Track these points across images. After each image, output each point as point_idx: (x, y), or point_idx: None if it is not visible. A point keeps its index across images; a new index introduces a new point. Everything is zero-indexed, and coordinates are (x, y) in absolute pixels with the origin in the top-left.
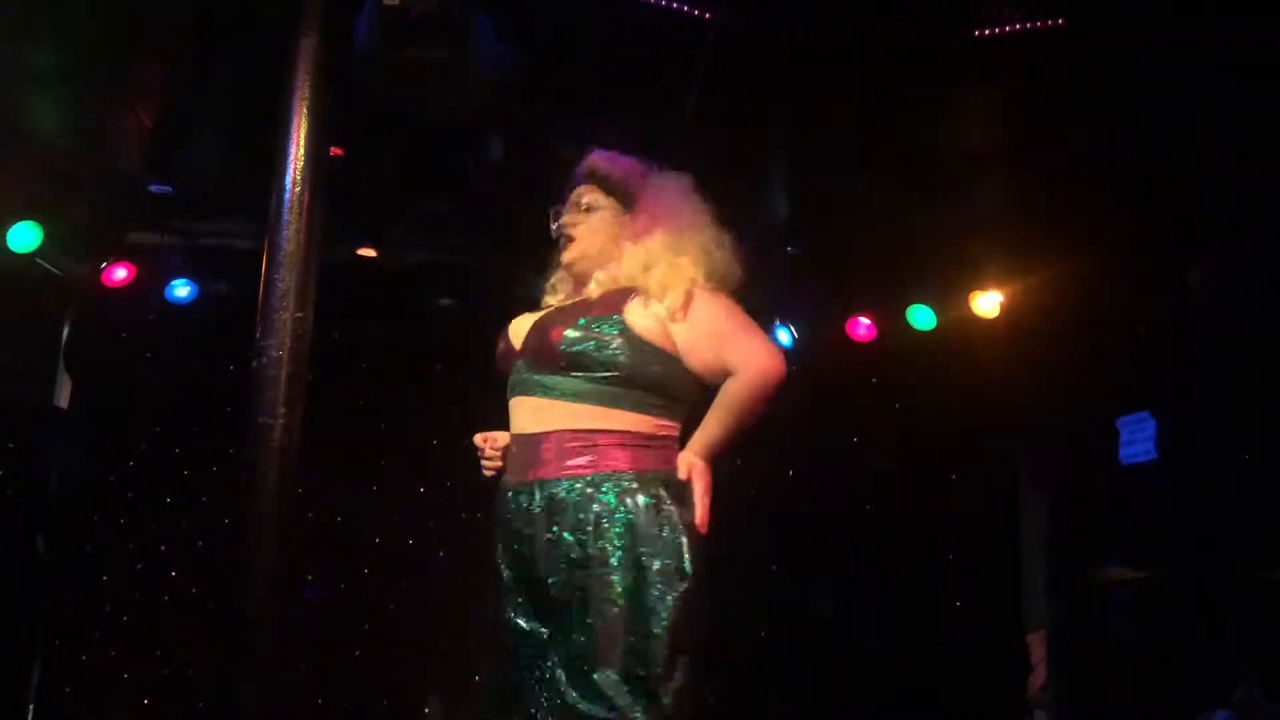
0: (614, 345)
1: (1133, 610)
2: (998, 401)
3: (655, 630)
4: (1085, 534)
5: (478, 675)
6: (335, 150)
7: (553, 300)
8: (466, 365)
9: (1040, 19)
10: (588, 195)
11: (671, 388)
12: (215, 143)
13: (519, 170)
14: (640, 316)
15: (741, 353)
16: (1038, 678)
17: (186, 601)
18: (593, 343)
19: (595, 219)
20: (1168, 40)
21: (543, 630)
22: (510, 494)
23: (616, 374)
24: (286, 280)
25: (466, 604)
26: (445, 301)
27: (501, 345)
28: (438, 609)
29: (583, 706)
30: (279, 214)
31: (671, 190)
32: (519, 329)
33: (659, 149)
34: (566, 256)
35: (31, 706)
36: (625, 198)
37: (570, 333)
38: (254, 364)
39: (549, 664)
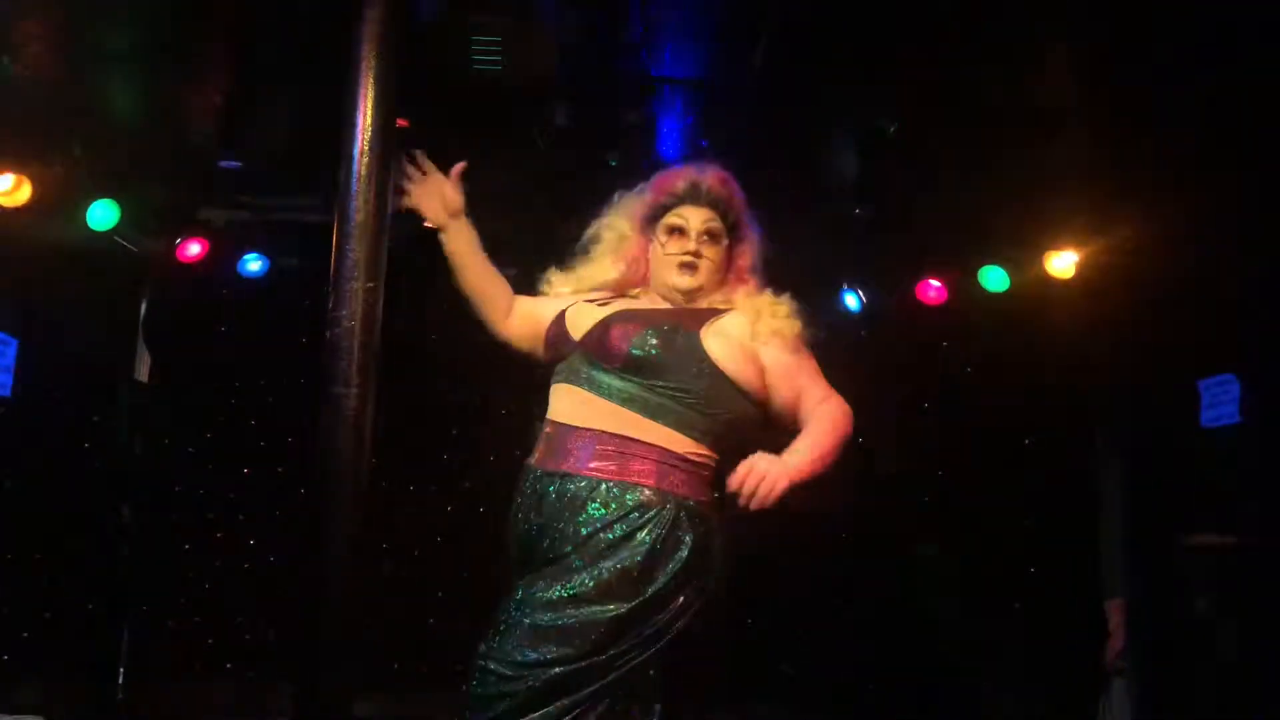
0: (683, 361)
1: (1216, 577)
2: (1073, 365)
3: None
4: (1166, 500)
5: None
6: (401, 121)
7: (599, 289)
8: None
9: None
10: (714, 224)
11: (724, 417)
12: (283, 117)
13: (586, 136)
14: (719, 342)
15: (829, 393)
16: (1115, 645)
17: (265, 569)
18: (661, 353)
19: (717, 253)
20: None
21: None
22: (532, 476)
23: (673, 389)
24: (357, 251)
25: None
26: (512, 271)
27: (553, 330)
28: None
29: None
30: (348, 185)
31: (756, 227)
32: (580, 318)
33: (724, 110)
34: (687, 283)
35: (122, 669)
36: (735, 229)
37: (639, 337)
38: (327, 335)
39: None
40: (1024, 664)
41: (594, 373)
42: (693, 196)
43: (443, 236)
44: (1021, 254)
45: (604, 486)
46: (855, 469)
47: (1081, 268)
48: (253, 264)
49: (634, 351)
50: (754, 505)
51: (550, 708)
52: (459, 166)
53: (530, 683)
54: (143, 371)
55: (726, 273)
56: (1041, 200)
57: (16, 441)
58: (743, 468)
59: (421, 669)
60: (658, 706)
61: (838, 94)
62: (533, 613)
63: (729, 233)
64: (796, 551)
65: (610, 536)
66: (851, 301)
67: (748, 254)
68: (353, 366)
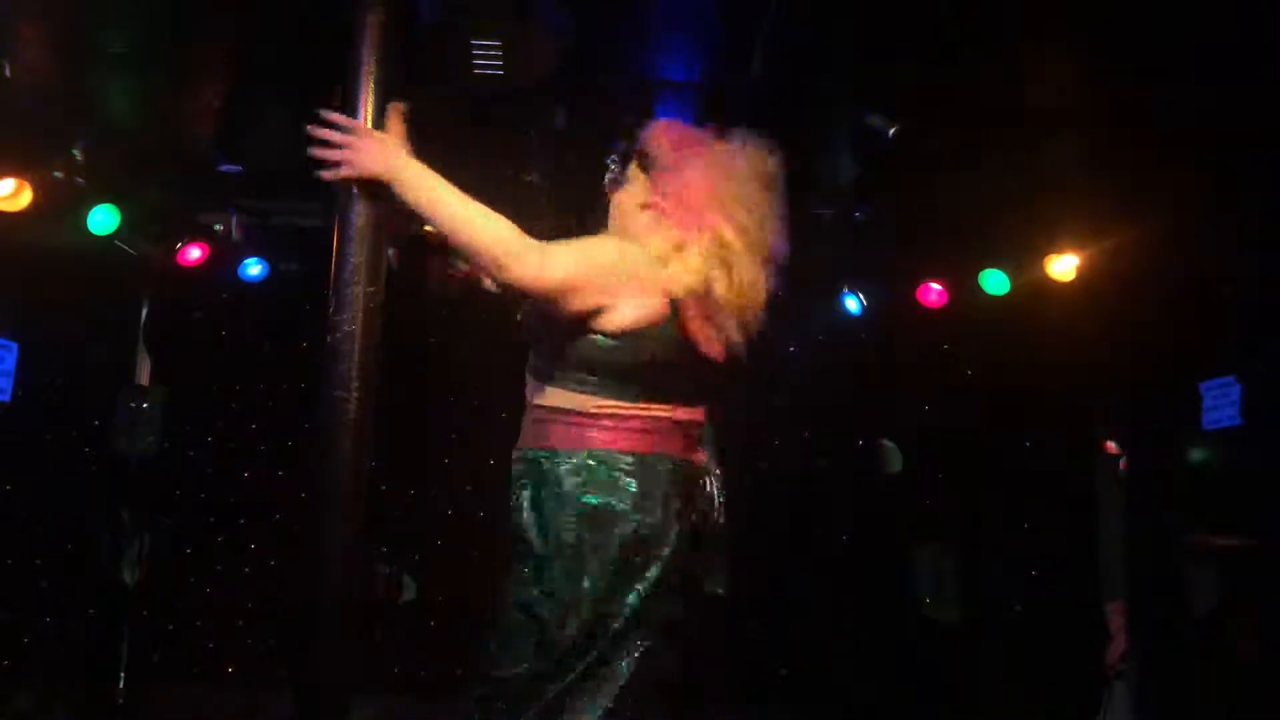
0: (529, 312)
1: (1218, 579)
2: (1074, 368)
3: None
4: (1167, 502)
5: None
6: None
7: None
8: None
9: None
10: (618, 171)
11: (571, 353)
12: (283, 122)
13: (582, 140)
14: None
15: (548, 247)
16: (1117, 647)
17: (264, 572)
18: (524, 314)
19: (624, 198)
20: None
21: None
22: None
23: (530, 337)
24: (358, 255)
25: None
26: None
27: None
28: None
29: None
30: (349, 190)
31: (709, 162)
32: None
33: (723, 112)
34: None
35: (122, 672)
36: (649, 168)
37: (522, 312)
38: (327, 339)
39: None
40: (1025, 666)
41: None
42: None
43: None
44: (1022, 257)
45: (521, 456)
46: (856, 470)
47: (1082, 271)
48: (253, 268)
49: (523, 320)
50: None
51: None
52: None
53: (516, 685)
54: (143, 375)
55: (657, 210)
56: (1042, 203)
57: (17, 445)
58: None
59: (421, 672)
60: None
61: (838, 97)
62: (506, 615)
63: (649, 173)
64: (796, 553)
65: (517, 506)
66: (852, 304)
67: (658, 185)
68: (353, 370)
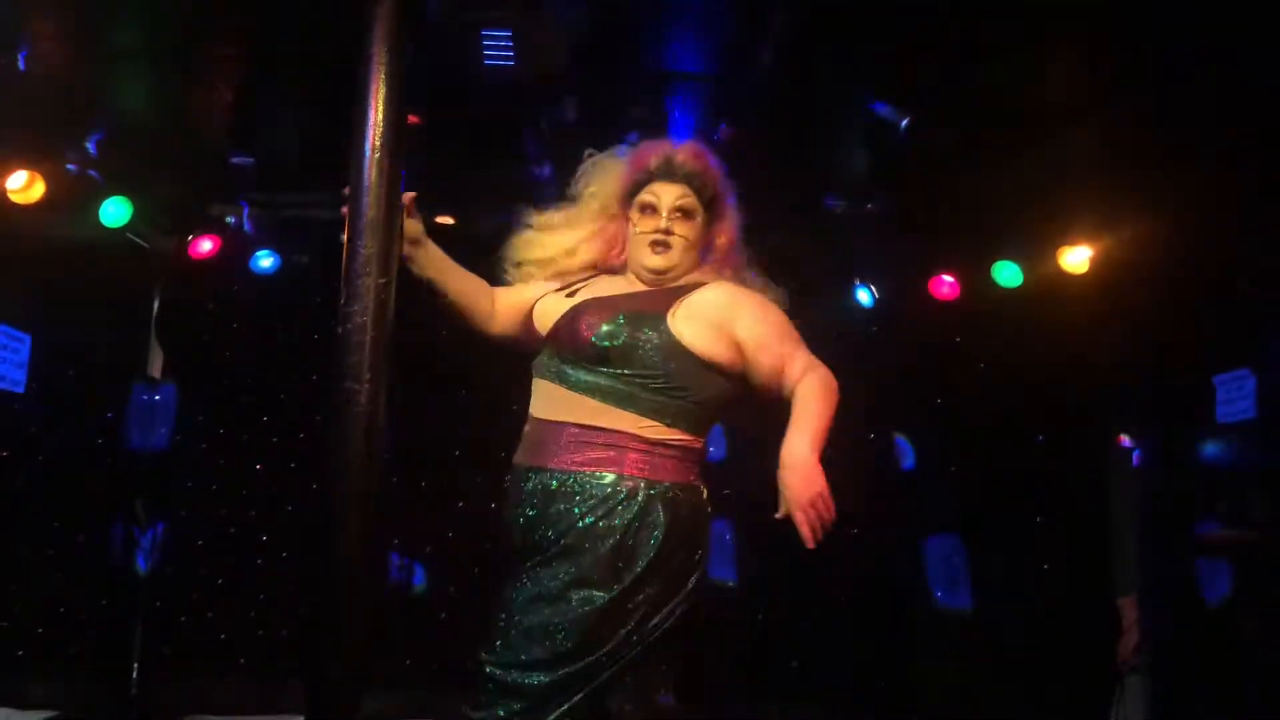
0: (650, 347)
1: (1231, 573)
2: (1087, 360)
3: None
4: (1181, 496)
5: None
6: (412, 118)
7: (576, 273)
8: None
9: None
10: (687, 200)
11: (697, 398)
12: (295, 114)
13: (592, 132)
14: (688, 323)
15: (810, 360)
16: (1129, 641)
17: (278, 564)
18: (625, 341)
19: (691, 231)
20: None
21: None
22: (515, 473)
23: (641, 376)
24: (369, 246)
25: None
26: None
27: (523, 324)
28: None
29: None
30: (359, 181)
31: (737, 204)
32: (547, 311)
33: (735, 104)
34: (658, 263)
35: (135, 666)
36: (711, 205)
37: (605, 327)
38: (339, 330)
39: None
40: (1037, 662)
41: (563, 366)
42: (666, 172)
43: (410, 265)
44: (1035, 249)
45: (574, 478)
46: (867, 466)
47: (1095, 263)
48: (264, 260)
49: (597, 343)
50: (826, 527)
51: (555, 709)
52: (409, 196)
53: (531, 686)
54: (155, 368)
55: (704, 250)
56: (1055, 195)
57: (30, 437)
58: (795, 510)
59: (432, 665)
60: (669, 696)
61: (850, 89)
62: (524, 615)
63: (705, 209)
64: (806, 547)
65: (583, 526)
66: (864, 297)
67: (726, 231)
68: (364, 362)
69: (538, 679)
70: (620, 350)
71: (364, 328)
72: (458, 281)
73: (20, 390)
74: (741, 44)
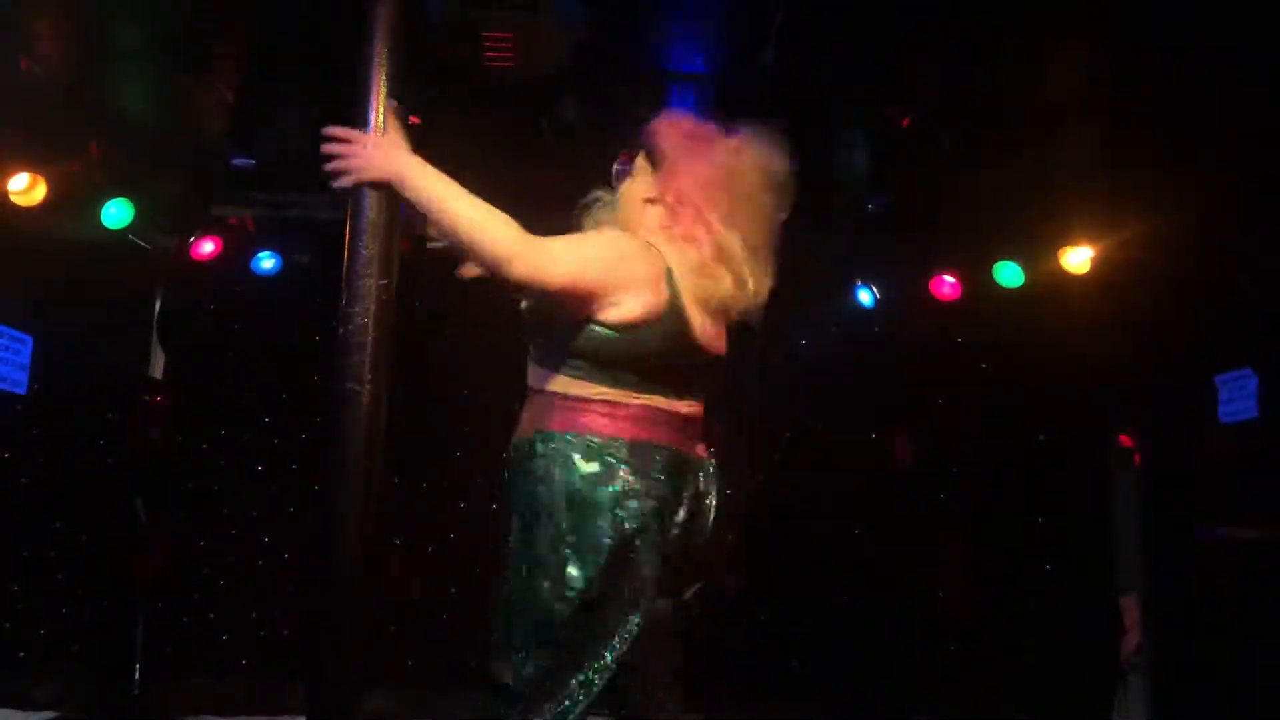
0: (530, 304)
1: (1232, 572)
2: (1089, 360)
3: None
4: (1182, 495)
5: None
6: (413, 118)
7: None
8: None
9: None
10: (626, 166)
11: (563, 339)
12: (296, 115)
13: (595, 131)
14: None
15: (535, 239)
16: (1131, 640)
17: (279, 565)
18: (526, 303)
19: (630, 189)
20: None
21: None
22: None
23: (528, 328)
24: (370, 247)
25: None
26: None
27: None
28: None
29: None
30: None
31: (712, 156)
32: None
33: (735, 105)
34: (604, 219)
35: (137, 666)
36: (658, 162)
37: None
38: (340, 331)
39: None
40: (1039, 660)
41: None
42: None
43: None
44: (1036, 249)
45: (516, 441)
46: (868, 464)
47: (1097, 263)
48: (266, 261)
49: (522, 308)
50: (335, 175)
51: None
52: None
53: (527, 669)
54: (157, 369)
55: (653, 204)
56: (1056, 195)
57: (32, 438)
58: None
59: (434, 665)
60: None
61: (851, 88)
62: (503, 593)
63: (654, 166)
64: (810, 547)
65: (511, 489)
66: (865, 297)
67: (667, 181)
68: (365, 363)
69: (529, 659)
70: (526, 311)
71: (365, 329)
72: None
73: (22, 391)
74: (743, 43)
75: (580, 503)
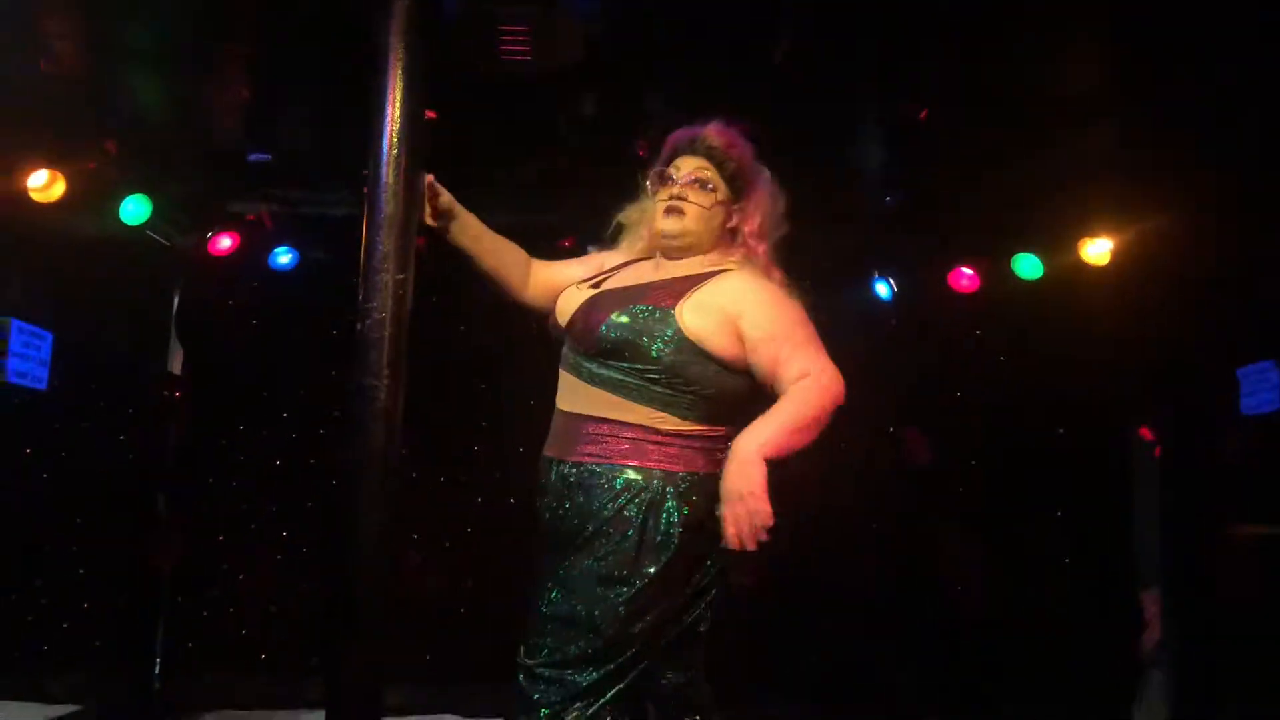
0: (660, 341)
1: (1253, 567)
2: (1109, 353)
3: (597, 624)
4: (1203, 489)
5: None
6: (430, 113)
7: (610, 260)
8: None
9: None
10: (705, 172)
11: (706, 392)
12: (312, 111)
13: (610, 127)
14: (696, 315)
15: (813, 364)
16: (1152, 635)
17: (297, 560)
18: (631, 335)
19: (707, 201)
20: None
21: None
22: (542, 464)
23: (647, 370)
24: (387, 243)
25: None
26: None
27: (550, 319)
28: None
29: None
30: (377, 177)
31: (772, 192)
32: (567, 304)
33: (748, 97)
34: (671, 227)
35: (158, 660)
36: (734, 182)
37: (616, 318)
38: (357, 326)
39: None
40: (1060, 654)
41: (578, 359)
42: (689, 148)
43: (443, 236)
44: (1055, 241)
45: (591, 470)
46: (884, 457)
47: (1117, 254)
48: (283, 257)
49: (605, 336)
50: (749, 544)
51: (599, 700)
52: (428, 178)
53: (571, 681)
54: (175, 364)
55: (727, 232)
56: (1076, 186)
57: (53, 434)
58: (724, 504)
59: (453, 658)
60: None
61: (868, 82)
62: (554, 608)
63: (728, 185)
64: (826, 544)
65: (602, 519)
66: (883, 290)
67: (753, 217)
68: (383, 358)
69: (575, 673)
70: (625, 343)
71: (382, 324)
72: (490, 250)
73: (43, 388)
74: (759, 38)
75: (693, 538)
